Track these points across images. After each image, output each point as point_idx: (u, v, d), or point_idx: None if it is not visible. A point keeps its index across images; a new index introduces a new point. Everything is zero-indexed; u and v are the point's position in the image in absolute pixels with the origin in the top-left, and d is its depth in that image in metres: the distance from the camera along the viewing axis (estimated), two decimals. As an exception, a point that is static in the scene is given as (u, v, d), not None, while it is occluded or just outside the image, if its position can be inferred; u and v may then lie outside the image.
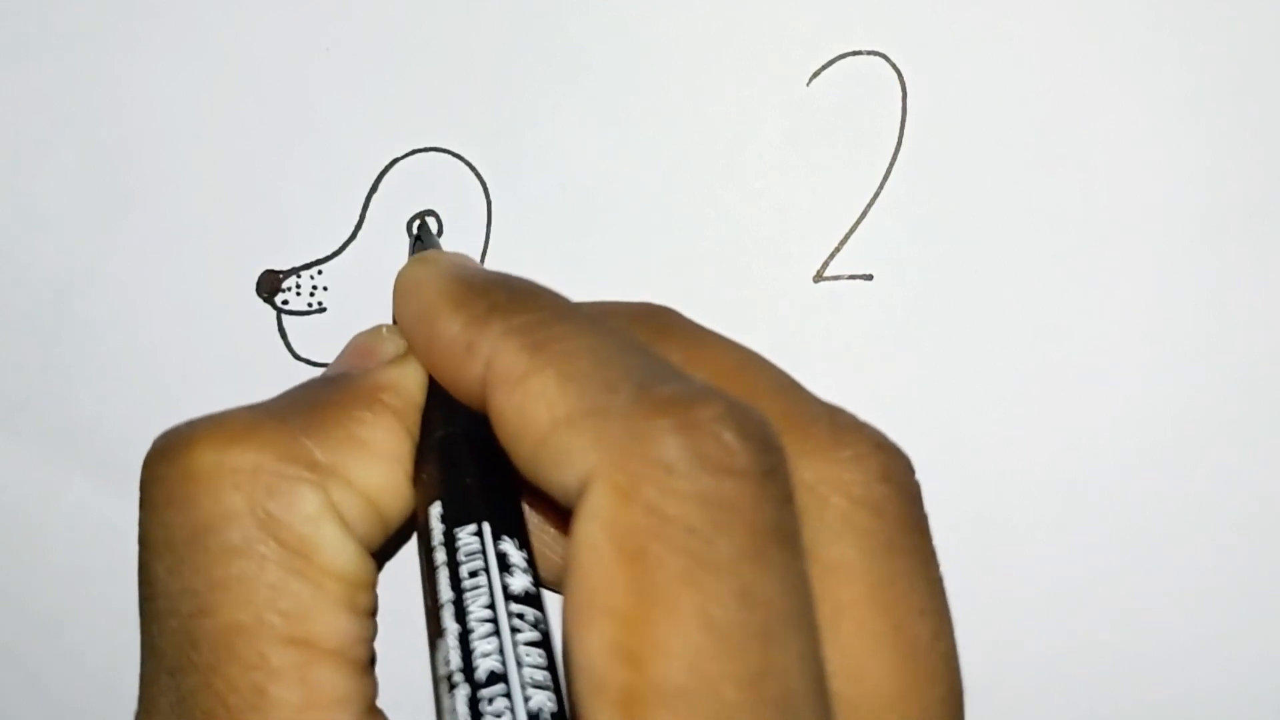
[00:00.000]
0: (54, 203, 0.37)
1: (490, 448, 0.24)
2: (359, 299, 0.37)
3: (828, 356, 0.36)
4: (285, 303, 0.37)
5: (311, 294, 0.36)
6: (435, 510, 0.24)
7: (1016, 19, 0.36)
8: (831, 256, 0.36)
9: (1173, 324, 0.36)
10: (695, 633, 0.19)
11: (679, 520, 0.20)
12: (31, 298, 0.37)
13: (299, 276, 0.37)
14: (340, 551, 0.23)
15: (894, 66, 0.36)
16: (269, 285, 0.37)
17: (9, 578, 0.37)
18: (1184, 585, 0.36)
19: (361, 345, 0.28)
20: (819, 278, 0.36)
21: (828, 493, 0.23)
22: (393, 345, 0.27)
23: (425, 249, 0.33)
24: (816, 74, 0.36)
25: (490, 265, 0.36)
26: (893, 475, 0.24)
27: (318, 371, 0.37)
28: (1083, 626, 0.36)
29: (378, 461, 0.25)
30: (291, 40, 0.36)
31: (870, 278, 0.36)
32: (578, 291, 0.36)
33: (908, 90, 0.36)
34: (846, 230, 0.36)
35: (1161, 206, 0.36)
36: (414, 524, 0.25)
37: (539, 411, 0.22)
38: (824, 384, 0.36)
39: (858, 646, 0.23)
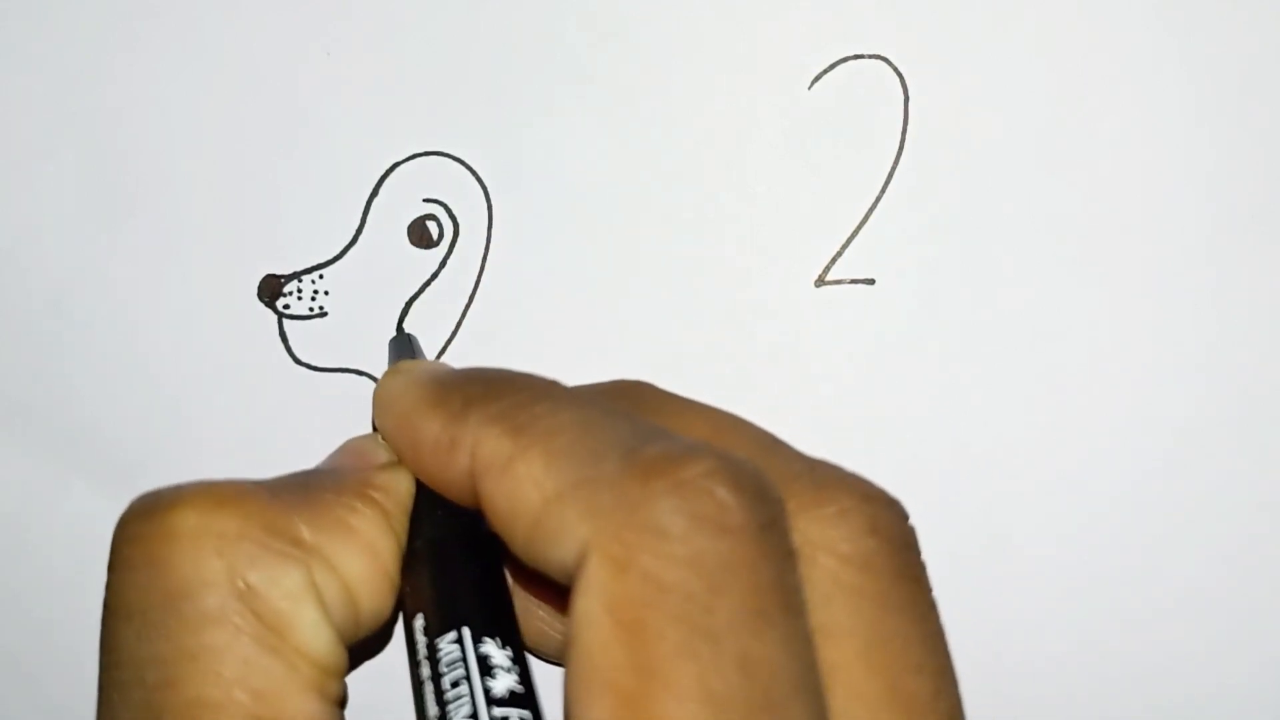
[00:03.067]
0: (54, 206, 0.37)
1: (474, 547, 0.24)
2: (360, 303, 0.36)
3: (829, 362, 0.36)
4: (286, 307, 0.37)
5: (313, 298, 0.36)
6: (418, 624, 0.24)
7: (1018, 22, 0.36)
8: (833, 261, 0.36)
9: (1177, 329, 0.36)
10: (696, 706, 0.19)
11: (676, 587, 0.19)
12: (31, 301, 0.37)
13: (300, 281, 0.36)
14: (317, 634, 0.23)
15: (896, 70, 0.36)
16: (270, 290, 0.37)
17: (7, 581, 0.37)
18: (1188, 591, 0.36)
19: (355, 448, 0.28)
20: (820, 282, 0.36)
21: (814, 552, 0.22)
22: (386, 451, 0.27)
23: (401, 359, 0.33)
24: (818, 77, 0.36)
25: (491, 270, 0.36)
26: (881, 527, 0.23)
27: (319, 376, 0.37)
28: (1086, 633, 0.36)
29: (363, 552, 0.24)
30: (291, 43, 0.36)
31: (872, 282, 0.36)
32: (578, 296, 0.36)
33: (910, 94, 0.36)
34: (848, 234, 0.36)
35: (1165, 210, 0.36)
36: (382, 637, 0.25)
37: (528, 492, 0.21)
38: (825, 390, 0.36)
39: (853, 711, 0.22)
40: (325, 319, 0.37)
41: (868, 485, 0.24)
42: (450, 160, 0.36)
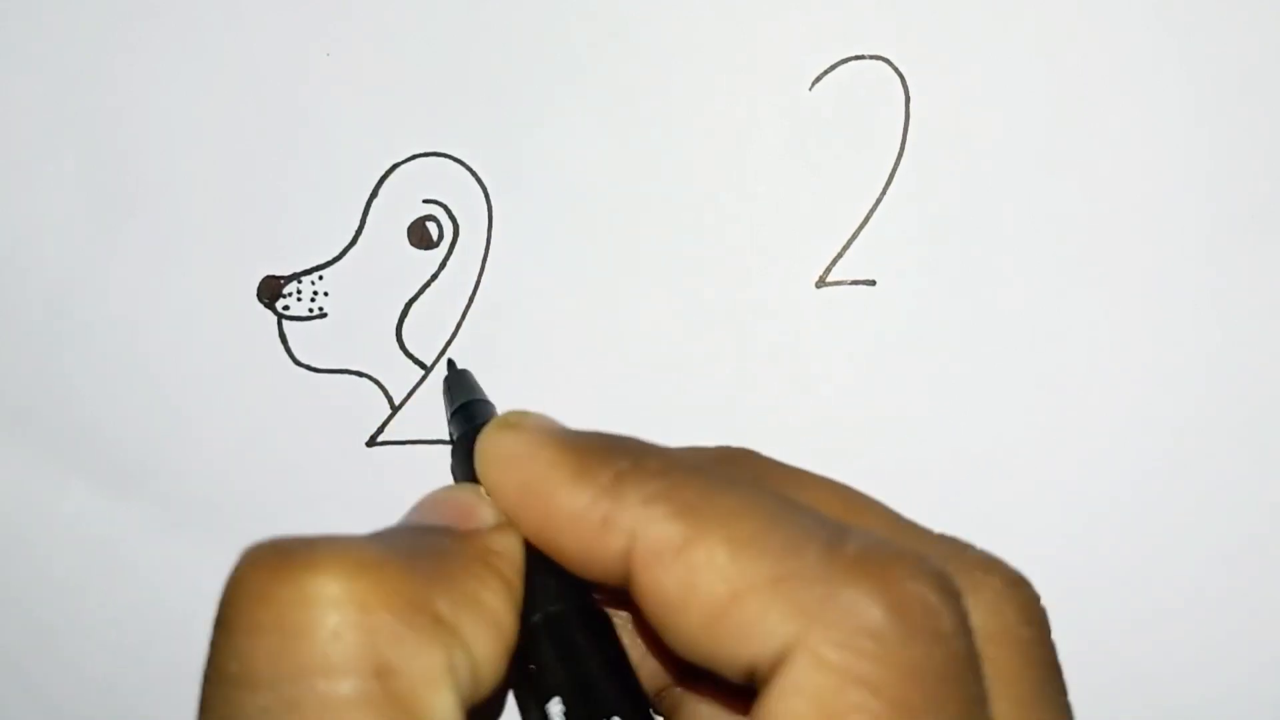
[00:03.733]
0: (53, 207, 0.37)
1: (595, 624, 0.23)
2: (360, 304, 0.36)
3: (830, 362, 0.36)
4: (286, 308, 0.36)
5: (312, 299, 0.36)
6: (555, 709, 0.22)
7: (1019, 23, 0.35)
8: (834, 262, 0.36)
9: (1177, 330, 0.36)
10: None
11: (895, 697, 0.19)
12: (31, 303, 0.37)
13: (300, 282, 0.36)
14: (448, 718, 0.21)
15: (897, 71, 0.36)
16: (269, 291, 0.36)
17: (7, 582, 0.37)
18: (1188, 593, 0.36)
19: (460, 504, 0.25)
20: (821, 283, 0.36)
21: (980, 643, 0.21)
22: (492, 510, 0.25)
23: (469, 399, 0.31)
24: (819, 78, 0.36)
25: (491, 270, 0.36)
26: (1034, 615, 0.23)
27: (318, 377, 0.37)
28: (1086, 634, 0.36)
29: (491, 629, 0.22)
30: (292, 45, 0.36)
31: (873, 283, 0.36)
32: (579, 297, 0.36)
33: (910, 95, 0.36)
34: (849, 235, 0.36)
35: (1165, 211, 0.36)
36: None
37: (710, 583, 0.20)
38: (825, 390, 0.36)
39: None
40: (325, 320, 0.37)
41: (1009, 568, 0.23)
42: (450, 161, 0.36)
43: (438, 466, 0.36)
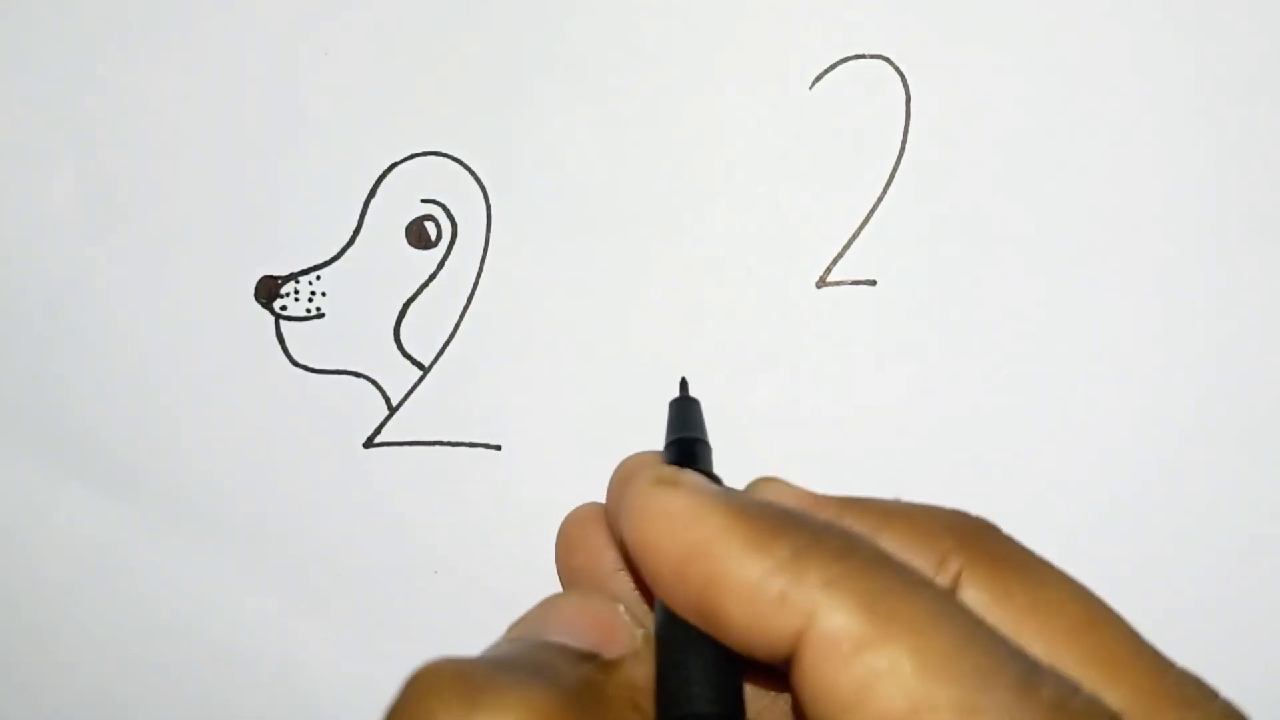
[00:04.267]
0: (49, 208, 0.37)
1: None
2: (358, 305, 0.36)
3: (831, 363, 0.36)
4: (284, 308, 0.36)
5: (310, 299, 0.36)
6: None
7: (1020, 23, 0.35)
8: (835, 262, 0.36)
9: (1180, 330, 0.35)
10: None
11: None
12: (27, 304, 0.37)
13: (297, 282, 0.36)
14: None
15: (897, 70, 0.36)
16: (267, 291, 0.36)
17: (3, 587, 0.37)
18: (1191, 595, 0.36)
19: (603, 623, 0.24)
20: (822, 283, 0.36)
21: None
22: (634, 631, 0.24)
23: (687, 435, 0.29)
24: (819, 78, 0.36)
25: (490, 270, 0.36)
26: None
27: (316, 378, 0.36)
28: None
29: None
30: (290, 45, 0.36)
31: (874, 283, 0.36)
32: (578, 297, 0.36)
33: (911, 94, 0.36)
34: (850, 235, 0.36)
35: (1167, 212, 0.35)
36: None
37: (891, 693, 0.19)
38: (826, 391, 0.36)
39: None
40: (322, 320, 0.36)
41: (1224, 703, 0.23)
42: (449, 160, 0.36)
43: (434, 467, 0.36)
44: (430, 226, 0.36)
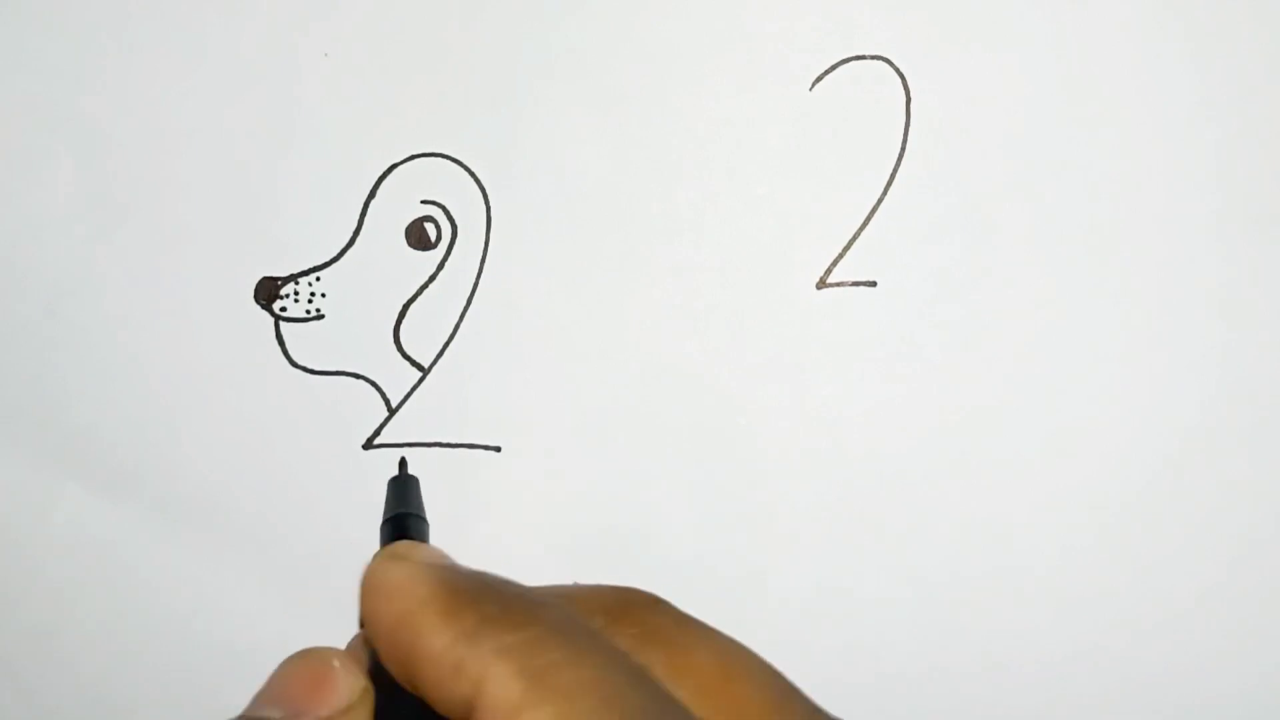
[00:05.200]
0: (49, 208, 0.37)
1: None
2: (357, 306, 0.36)
3: (831, 364, 0.36)
4: (283, 310, 0.36)
5: (310, 301, 0.36)
6: None
7: (1020, 22, 0.35)
8: (835, 263, 0.36)
9: (1181, 332, 0.35)
10: None
11: None
12: (26, 305, 0.37)
13: (297, 283, 0.36)
14: None
15: (898, 71, 0.36)
16: (267, 292, 0.36)
17: (2, 587, 0.37)
18: (1193, 597, 0.36)
19: (308, 678, 0.25)
20: (822, 284, 0.36)
21: None
22: (347, 684, 0.25)
23: (401, 511, 0.31)
24: (820, 78, 0.36)
25: (490, 272, 0.36)
26: None
27: (316, 380, 0.36)
28: (1088, 637, 0.36)
29: None
30: (289, 45, 0.36)
31: (874, 284, 0.36)
32: (578, 298, 0.36)
33: (912, 95, 0.36)
34: (850, 236, 0.36)
35: (1169, 212, 0.35)
36: None
37: None
38: (826, 393, 0.36)
39: None
40: (322, 321, 0.36)
41: None
42: (449, 161, 0.36)
43: (435, 469, 0.36)
44: (430, 228, 0.36)
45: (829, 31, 0.36)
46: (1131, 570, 0.36)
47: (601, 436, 0.36)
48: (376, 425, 0.36)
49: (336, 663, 0.25)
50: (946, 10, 0.35)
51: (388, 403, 0.36)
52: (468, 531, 0.36)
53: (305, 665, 0.25)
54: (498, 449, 0.36)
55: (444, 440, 0.36)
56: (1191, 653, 0.36)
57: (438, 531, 0.36)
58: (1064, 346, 0.36)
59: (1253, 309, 0.35)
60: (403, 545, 0.27)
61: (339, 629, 0.36)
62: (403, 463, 0.35)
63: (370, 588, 0.24)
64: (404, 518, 0.31)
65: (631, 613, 0.25)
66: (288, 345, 0.36)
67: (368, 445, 0.36)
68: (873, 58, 0.36)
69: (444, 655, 0.21)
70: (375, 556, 0.25)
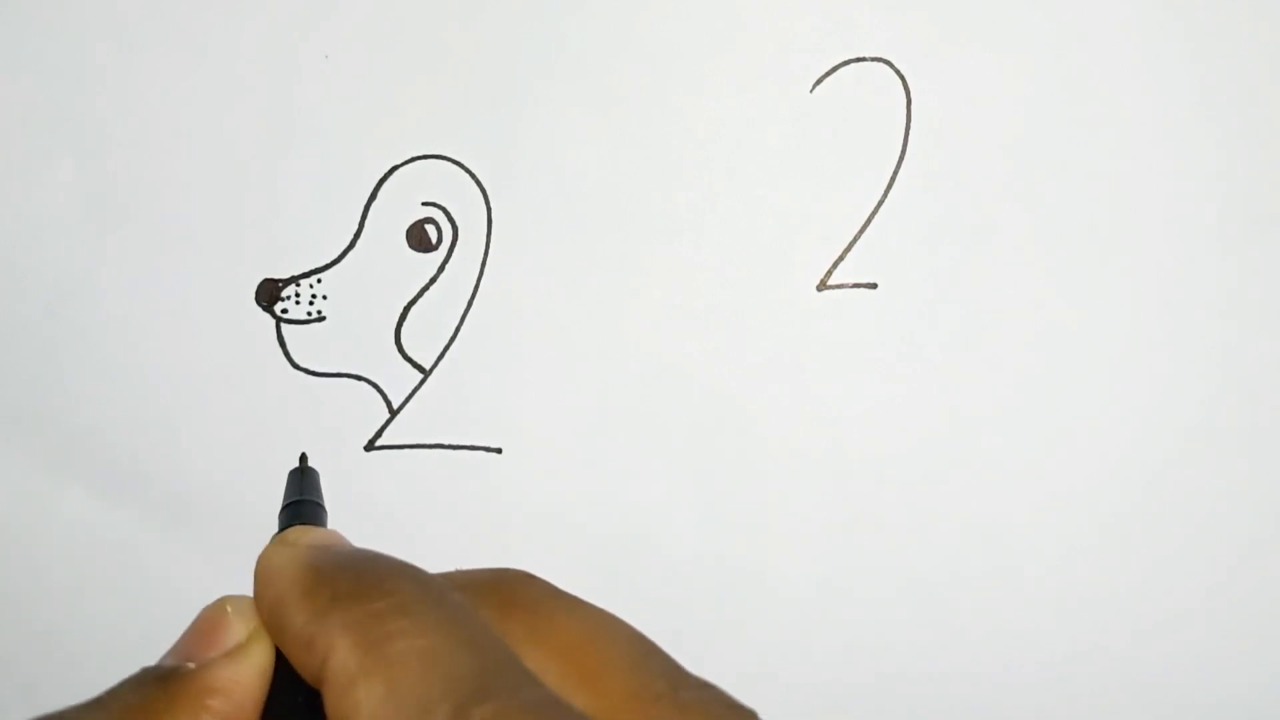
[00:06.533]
0: (50, 210, 0.37)
1: None
2: (359, 308, 0.36)
3: (831, 365, 0.36)
4: (285, 311, 0.36)
5: (311, 302, 0.36)
6: None
7: (1020, 24, 0.35)
8: (835, 265, 0.36)
9: (1181, 332, 0.35)
10: None
11: None
12: (28, 307, 0.37)
13: (298, 285, 0.36)
14: None
15: (898, 73, 0.36)
16: (268, 294, 0.36)
17: (5, 587, 0.37)
18: (1194, 598, 0.36)
19: (204, 626, 0.25)
20: (823, 286, 0.36)
21: None
22: (238, 628, 0.25)
23: (298, 499, 0.32)
24: (820, 80, 0.36)
25: (491, 274, 0.36)
26: None
27: (316, 381, 0.36)
28: (1088, 638, 0.36)
29: None
30: (290, 48, 0.36)
31: (874, 286, 0.36)
32: (579, 300, 0.36)
33: (912, 97, 0.36)
34: (850, 238, 0.36)
35: (1169, 213, 0.35)
36: None
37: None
38: (826, 394, 0.36)
39: None
40: (323, 323, 0.36)
41: (730, 710, 0.23)
42: (449, 163, 0.36)
43: (436, 470, 0.36)
44: (431, 229, 0.36)
45: (829, 32, 0.36)
46: (1131, 570, 0.36)
47: (602, 437, 0.36)
48: (378, 427, 0.36)
49: (230, 608, 0.25)
50: (946, 11, 0.35)
51: (389, 404, 0.36)
52: (469, 532, 0.36)
53: (204, 614, 0.26)
54: (499, 450, 0.36)
55: (445, 442, 0.36)
56: (1191, 653, 0.36)
57: (438, 531, 0.36)
58: (1064, 347, 0.36)
59: (1253, 309, 0.35)
60: (294, 531, 0.27)
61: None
62: (303, 457, 0.35)
63: (256, 573, 0.25)
64: (298, 504, 0.31)
65: (500, 588, 0.25)
66: (289, 347, 0.36)
67: (369, 447, 0.36)
68: (873, 60, 0.36)
69: (300, 633, 0.22)
70: (269, 543, 0.26)
